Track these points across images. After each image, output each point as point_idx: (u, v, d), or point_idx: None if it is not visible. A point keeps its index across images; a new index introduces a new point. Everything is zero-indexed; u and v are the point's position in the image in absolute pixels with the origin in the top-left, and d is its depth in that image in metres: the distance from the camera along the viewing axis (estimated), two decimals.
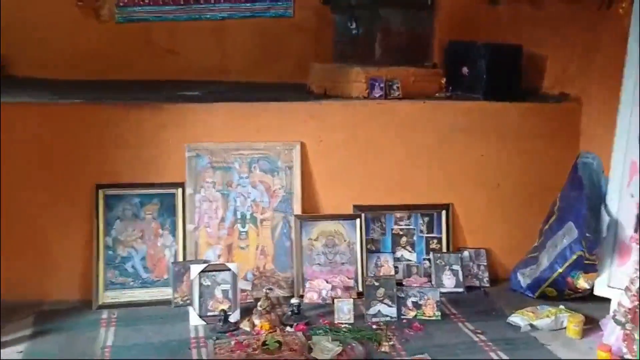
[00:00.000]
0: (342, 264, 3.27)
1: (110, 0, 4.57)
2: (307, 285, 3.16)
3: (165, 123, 3.19)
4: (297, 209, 3.26)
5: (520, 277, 3.26)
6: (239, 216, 3.24)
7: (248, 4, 4.70)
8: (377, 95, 3.51)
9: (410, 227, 3.43)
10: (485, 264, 3.41)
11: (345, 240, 3.29)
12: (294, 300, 2.90)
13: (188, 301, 2.91)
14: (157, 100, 3.39)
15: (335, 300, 2.93)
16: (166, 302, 3.02)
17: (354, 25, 3.74)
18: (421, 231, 3.43)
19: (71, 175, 3.09)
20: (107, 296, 3.03)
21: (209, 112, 3.27)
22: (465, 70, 3.59)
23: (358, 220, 3.31)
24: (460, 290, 3.28)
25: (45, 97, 3.52)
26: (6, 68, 4.49)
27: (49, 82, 4.20)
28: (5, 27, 4.47)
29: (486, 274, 3.39)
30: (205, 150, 3.21)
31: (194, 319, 2.82)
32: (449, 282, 3.30)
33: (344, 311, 2.87)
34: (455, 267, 3.32)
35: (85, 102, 3.30)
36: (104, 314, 2.91)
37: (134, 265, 3.11)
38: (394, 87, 3.53)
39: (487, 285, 3.37)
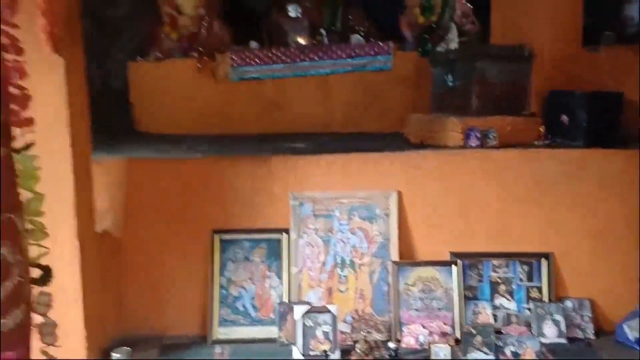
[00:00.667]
0: (439, 309, 3.33)
1: (225, 61, 5.08)
2: (405, 329, 3.25)
3: (274, 174, 3.49)
4: (395, 255, 3.40)
5: (627, 330, 3.14)
6: (339, 261, 3.43)
7: (349, 60, 5.00)
8: (473, 145, 3.60)
9: (509, 275, 3.43)
10: (589, 315, 3.32)
11: (442, 287, 3.36)
12: (391, 344, 3.01)
13: (292, 340, 3.12)
14: (267, 153, 3.73)
15: (432, 346, 3.00)
16: (272, 340, 3.24)
17: (451, 78, 3.87)
18: (520, 279, 3.42)
19: (191, 222, 3.44)
20: (220, 332, 3.31)
21: (312, 163, 3.52)
22: (564, 118, 3.59)
23: (455, 267, 3.37)
24: (562, 341, 3.21)
25: (170, 152, 3.98)
26: (136, 125, 5.11)
27: (173, 137, 4.72)
28: (136, 89, 5.12)
29: (590, 325, 3.29)
30: (308, 199, 3.46)
31: (298, 358, 3.02)
32: (550, 332, 3.24)
33: (441, 356, 2.94)
34: (557, 317, 3.26)
35: (204, 157, 3.70)
36: (217, 349, 3.18)
37: (244, 304, 3.38)
38: (491, 136, 3.61)
39: (591, 337, 3.27)
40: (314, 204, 3.44)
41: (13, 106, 2.01)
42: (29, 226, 2.12)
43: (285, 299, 3.36)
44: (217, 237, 3.42)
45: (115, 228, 3.37)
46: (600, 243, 3.38)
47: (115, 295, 3.32)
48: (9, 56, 2.00)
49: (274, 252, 3.43)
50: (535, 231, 3.42)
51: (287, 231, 3.42)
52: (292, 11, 5.43)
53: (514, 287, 3.41)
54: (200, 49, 5.08)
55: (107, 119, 3.99)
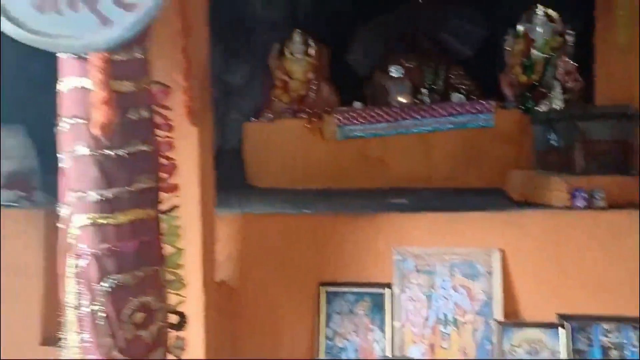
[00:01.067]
0: None
1: (331, 121, 5.41)
2: None
3: (378, 230, 3.66)
4: (498, 314, 3.40)
5: None
6: (441, 317, 3.49)
7: (451, 118, 5.15)
8: (580, 205, 3.57)
9: (621, 340, 3.31)
10: None
11: (548, 349, 3.32)
12: None
13: None
14: (371, 209, 3.93)
15: None
16: None
17: (554, 137, 3.90)
18: (633, 345, 3.29)
19: (300, 273, 3.66)
20: None
21: (415, 221, 3.66)
22: None
23: (562, 330, 3.32)
24: None
25: (281, 206, 4.28)
26: (249, 180, 5.53)
27: (282, 191, 5.06)
28: (249, 146, 5.56)
29: None
30: (411, 255, 3.59)
31: None
32: None
33: None
34: None
35: (313, 214, 3.96)
36: None
37: (348, 355, 3.53)
38: (597, 196, 3.56)
39: None
40: (416, 260, 3.56)
41: (162, 174, 2.37)
42: (169, 277, 2.44)
43: (388, 353, 3.46)
44: (323, 290, 3.61)
45: (232, 278, 3.68)
46: None
47: (231, 341, 3.60)
48: (161, 133, 2.38)
49: (378, 306, 3.56)
50: None
51: (390, 286, 3.54)
52: (394, 71, 5.68)
53: (627, 353, 3.28)
54: (309, 110, 5.45)
55: (224, 175, 4.38)
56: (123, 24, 2.01)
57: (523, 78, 5.12)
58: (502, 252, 3.48)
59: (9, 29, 2.02)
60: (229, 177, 5.01)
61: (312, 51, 5.71)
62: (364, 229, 3.68)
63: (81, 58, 2.11)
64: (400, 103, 5.49)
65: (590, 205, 3.55)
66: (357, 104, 5.60)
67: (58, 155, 2.20)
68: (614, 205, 3.52)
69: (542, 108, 4.88)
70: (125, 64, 2.16)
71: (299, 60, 5.71)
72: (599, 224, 3.43)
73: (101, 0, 2.00)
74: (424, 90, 5.53)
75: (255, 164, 5.50)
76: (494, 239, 3.53)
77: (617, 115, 3.74)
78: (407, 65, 5.66)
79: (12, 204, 3.82)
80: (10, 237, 3.56)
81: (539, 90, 5.03)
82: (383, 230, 3.66)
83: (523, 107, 5.02)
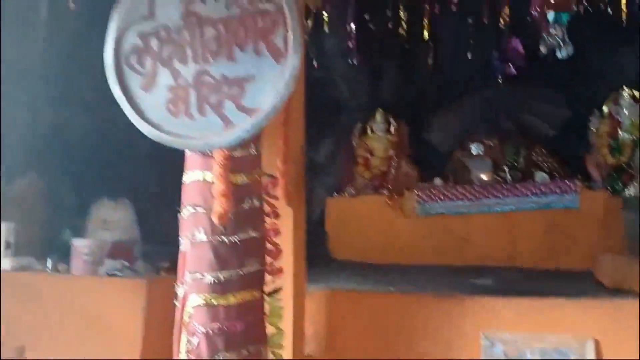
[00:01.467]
0: None
1: (412, 198, 5.51)
2: None
3: (464, 312, 3.65)
4: None
5: None
6: None
7: (534, 197, 5.12)
8: None
9: None
10: None
11: None
12: None
13: None
14: (454, 288, 3.93)
15: None
16: None
17: None
18: None
19: (382, 352, 3.67)
20: None
21: (503, 305, 3.62)
22: None
23: None
24: None
25: (364, 282, 4.35)
26: (331, 252, 5.66)
27: (364, 265, 5.14)
28: (332, 220, 5.73)
29: None
30: (499, 340, 3.54)
31: None
32: None
33: None
34: None
35: (398, 293, 4.01)
36: None
37: None
38: None
39: None
40: (505, 345, 3.51)
41: (268, 258, 2.56)
42: (270, 356, 2.57)
43: None
44: None
45: (318, 352, 3.75)
46: None
47: None
48: (269, 220, 2.59)
49: None
50: None
51: None
52: (475, 149, 5.76)
53: None
54: (390, 186, 5.60)
55: (308, 248, 4.54)
56: (244, 126, 2.26)
57: (610, 159, 5.07)
58: (597, 342, 3.38)
59: (146, 129, 2.33)
60: (313, 251, 5.18)
61: (392, 129, 5.91)
62: (450, 311, 3.67)
63: (204, 154, 2.37)
64: (482, 181, 5.53)
65: None
66: (438, 181, 5.69)
67: (179, 238, 2.43)
68: None
69: (631, 190, 4.78)
70: (242, 159, 2.40)
71: (380, 138, 5.92)
72: None
73: (226, 105, 2.27)
74: (505, 169, 5.55)
75: (338, 237, 5.64)
76: (586, 327, 3.43)
77: None
78: (487, 143, 5.73)
79: (116, 272, 4.11)
80: (114, 304, 3.82)
81: (627, 172, 4.95)
82: (469, 313, 3.63)
83: (610, 189, 4.94)
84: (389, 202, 5.53)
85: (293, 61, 2.24)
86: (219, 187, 2.30)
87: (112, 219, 4.58)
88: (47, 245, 4.38)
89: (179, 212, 2.46)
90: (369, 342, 3.74)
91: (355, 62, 5.37)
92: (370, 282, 4.36)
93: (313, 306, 3.82)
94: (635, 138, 5.01)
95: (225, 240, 2.35)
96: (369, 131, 5.99)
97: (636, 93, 5.10)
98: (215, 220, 2.30)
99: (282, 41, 2.25)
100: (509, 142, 5.73)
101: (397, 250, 5.30)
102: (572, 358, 3.38)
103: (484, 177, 5.53)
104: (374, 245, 5.40)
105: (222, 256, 2.35)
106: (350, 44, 5.09)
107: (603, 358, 3.33)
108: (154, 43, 2.33)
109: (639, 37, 4.80)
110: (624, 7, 3.76)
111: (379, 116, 5.93)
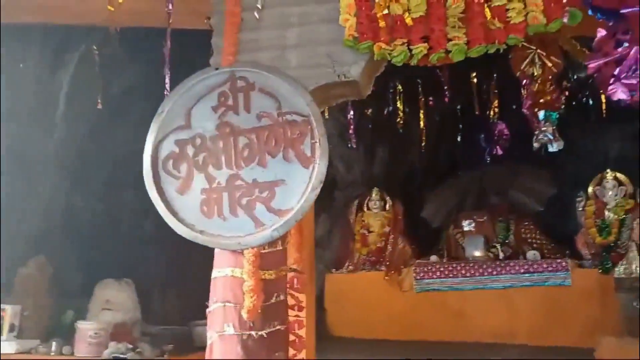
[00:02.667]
0: None
1: (410, 274, 5.66)
2: None
3: None
4: None
5: None
6: None
7: (527, 275, 5.31)
8: None
9: None
10: None
11: None
12: None
13: None
14: None
15: None
16: None
17: (638, 304, 4.01)
18: None
19: None
20: None
21: None
22: None
23: None
24: None
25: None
26: (329, 328, 5.72)
27: (363, 341, 5.21)
28: (330, 296, 5.82)
29: None
30: None
31: None
32: None
33: None
34: None
35: None
36: None
37: None
38: None
39: None
40: None
41: (291, 350, 2.66)
42: None
43: None
44: None
45: None
46: None
47: None
48: (292, 313, 2.71)
49: None
50: None
51: None
52: (467, 226, 5.98)
53: None
54: (387, 262, 5.75)
55: None
56: (273, 226, 2.43)
57: (599, 239, 5.31)
58: None
59: (181, 229, 2.48)
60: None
61: (388, 206, 6.13)
62: None
63: (234, 251, 2.51)
64: (475, 257, 5.72)
65: None
66: (434, 258, 5.87)
67: (207, 333, 2.54)
68: None
69: (621, 269, 4.99)
70: (270, 256, 2.54)
71: (376, 214, 6.13)
72: None
73: (257, 207, 2.44)
74: (496, 245, 5.76)
75: (336, 313, 5.72)
76: None
77: None
78: (479, 220, 5.95)
79: (121, 355, 4.11)
80: None
81: (616, 252, 5.19)
82: None
83: (601, 268, 5.14)
84: (386, 278, 5.66)
85: (320, 167, 2.44)
86: (249, 283, 2.43)
87: (116, 299, 4.60)
88: (52, 327, 4.39)
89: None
90: None
91: (353, 145, 5.63)
92: (369, 358, 4.42)
93: None
94: (622, 218, 5.27)
95: (254, 334, 2.46)
96: (365, 208, 6.19)
97: (619, 175, 5.41)
98: (244, 315, 2.41)
99: (309, 149, 2.46)
100: (499, 218, 5.96)
101: (395, 326, 5.40)
102: None
103: (477, 253, 5.72)
104: (372, 321, 5.49)
105: (250, 349, 2.45)
106: (349, 130, 5.37)
107: None
108: (189, 150, 2.52)
109: (619, 124, 5.16)
110: (604, 99, 4.09)
111: (374, 194, 6.16)
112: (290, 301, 2.70)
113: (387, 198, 6.16)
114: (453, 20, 2.43)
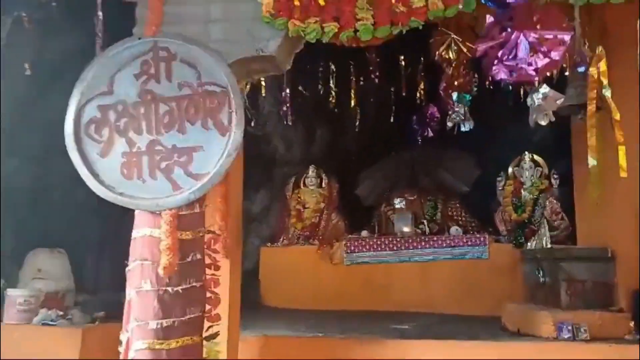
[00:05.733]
0: None
1: (341, 248, 5.92)
2: None
3: (384, 354, 4.01)
4: None
5: None
6: None
7: (449, 249, 5.66)
8: (565, 337, 3.96)
9: None
10: None
11: None
12: None
13: None
14: (377, 333, 4.30)
15: None
16: None
17: (541, 274, 4.37)
18: None
19: None
20: None
21: (418, 347, 4.02)
22: None
23: None
24: None
25: (294, 328, 4.62)
26: (263, 300, 5.93)
27: (295, 312, 5.42)
28: (265, 269, 6.02)
29: None
30: None
31: None
32: None
33: None
34: None
35: (324, 337, 4.33)
36: None
37: None
38: (582, 329, 3.96)
39: None
40: None
41: (208, 306, 2.85)
42: None
43: None
44: None
45: None
46: None
47: None
48: (209, 271, 2.89)
49: None
50: None
51: None
52: (397, 203, 6.27)
53: None
54: (320, 237, 5.99)
55: (242, 296, 4.80)
56: (191, 189, 2.59)
57: (514, 216, 5.70)
58: None
59: (101, 191, 2.61)
60: (246, 298, 5.42)
61: (324, 184, 6.36)
62: (372, 353, 4.03)
63: (153, 213, 2.67)
64: (403, 233, 6.02)
65: (575, 338, 3.93)
66: (365, 233, 6.14)
67: (126, 291, 2.69)
68: (597, 338, 3.91)
69: (532, 244, 5.39)
70: (188, 218, 2.71)
71: (312, 191, 6.35)
72: (585, 356, 3.79)
73: (176, 171, 2.60)
74: (424, 222, 6.08)
75: (270, 285, 5.93)
76: None
77: (596, 258, 4.24)
78: (409, 198, 6.25)
79: (50, 322, 4.17)
80: (49, 353, 3.90)
81: (530, 228, 5.58)
82: (389, 354, 4.01)
83: (515, 243, 5.54)
84: (318, 251, 5.90)
85: (236, 135, 2.62)
86: (166, 242, 2.59)
87: (48, 269, 4.63)
88: None
89: (126, 265, 2.72)
90: None
91: (289, 122, 5.80)
92: (301, 327, 4.64)
93: (247, 351, 4.08)
94: (535, 197, 5.66)
95: (170, 290, 2.63)
96: (302, 185, 6.40)
97: (536, 157, 5.80)
98: (161, 272, 2.58)
99: (227, 118, 2.63)
100: (428, 197, 6.28)
101: (326, 297, 5.64)
102: None
103: (406, 229, 6.01)
104: (304, 293, 5.71)
105: (166, 304, 2.62)
106: (285, 107, 5.54)
107: None
108: (111, 115, 2.64)
109: None
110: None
111: (311, 171, 6.37)
112: (207, 261, 2.87)
113: (323, 176, 6.38)
114: (362, 2, 2.64)
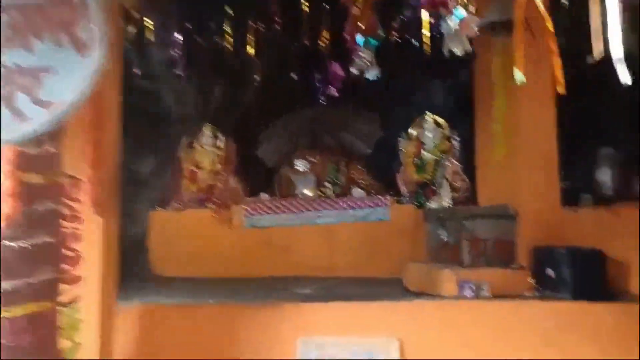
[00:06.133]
0: None
1: (239, 211, 5.53)
2: None
3: (282, 320, 3.73)
4: None
5: None
6: None
7: (351, 211, 5.45)
8: (467, 295, 3.87)
9: None
10: None
11: None
12: None
13: None
14: (276, 298, 4.00)
15: None
16: None
17: (444, 233, 4.26)
18: None
19: None
20: None
21: (319, 310, 3.79)
22: (550, 272, 3.89)
23: None
24: None
25: (184, 296, 4.22)
26: (153, 268, 5.43)
27: (188, 280, 4.99)
28: (155, 236, 5.51)
29: None
30: (314, 345, 3.67)
31: None
32: None
33: None
34: None
35: (217, 304, 3.96)
36: None
37: None
38: (483, 287, 3.89)
39: None
40: (319, 350, 3.65)
41: (64, 265, 2.36)
42: None
43: None
44: None
45: None
46: None
47: None
48: (68, 224, 2.40)
49: None
50: None
51: None
52: (300, 166, 5.97)
53: None
54: (217, 200, 5.55)
55: (128, 264, 4.31)
56: (39, 120, 2.09)
57: (416, 177, 5.60)
58: (401, 341, 3.66)
59: None
60: (133, 267, 4.92)
61: (220, 144, 5.89)
62: (268, 319, 3.74)
63: None
64: (305, 195, 5.74)
65: (477, 296, 3.85)
66: (264, 195, 5.78)
67: None
68: (498, 295, 3.85)
69: (434, 205, 5.31)
70: (37, 158, 2.20)
71: (208, 152, 5.86)
72: (486, 313, 3.73)
73: (19, 98, 2.08)
74: (327, 184, 5.83)
75: (161, 253, 5.44)
76: (393, 328, 3.71)
77: (498, 215, 4.18)
78: (311, 160, 5.97)
79: None
80: None
81: (431, 188, 5.51)
82: (288, 319, 3.74)
83: (416, 203, 5.43)
84: (215, 215, 5.48)
85: (98, 55, 2.13)
86: (7, 185, 2.08)
87: None
88: None
89: None
90: (185, 354, 3.64)
91: (181, 73, 5.27)
92: (192, 295, 4.26)
93: (128, 321, 3.63)
94: (438, 158, 5.58)
95: (14, 245, 2.13)
96: (196, 145, 5.90)
97: (438, 118, 5.70)
98: (2, 222, 2.07)
99: (86, 34, 2.13)
100: (331, 159, 6.03)
101: (223, 263, 5.26)
102: (379, 358, 3.62)
103: (308, 192, 5.74)
104: (200, 260, 5.30)
105: (9, 263, 2.12)
106: (175, 54, 4.99)
107: (405, 356, 3.62)
108: None
109: (444, 69, 5.40)
110: (427, 40, 4.18)
111: (206, 130, 5.88)
112: (66, 212, 2.39)
113: (220, 134, 5.91)
114: None
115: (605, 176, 4.38)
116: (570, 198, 4.41)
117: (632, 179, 4.26)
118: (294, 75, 5.73)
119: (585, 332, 3.59)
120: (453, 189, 5.32)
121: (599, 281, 3.81)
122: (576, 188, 4.51)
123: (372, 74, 3.63)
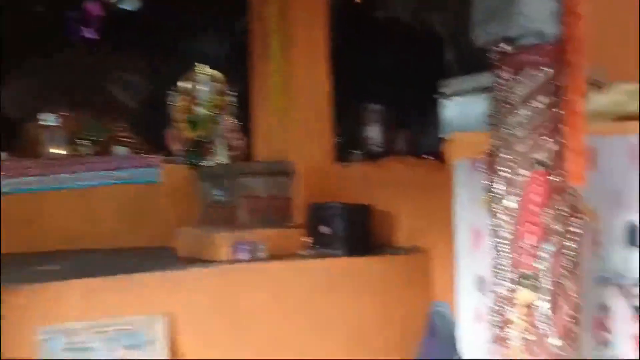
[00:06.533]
0: None
1: None
2: None
3: (20, 305, 3.03)
4: None
5: None
6: None
7: (114, 172, 4.85)
8: (243, 258, 3.64)
9: None
10: None
11: None
12: None
13: None
14: (13, 279, 3.25)
15: None
16: None
17: (219, 192, 3.97)
18: None
19: None
20: None
21: (66, 290, 3.15)
22: (324, 229, 3.85)
23: None
24: None
25: None
26: None
27: None
28: None
29: None
30: (60, 332, 3.04)
31: None
32: None
33: None
34: None
35: None
36: None
37: None
38: (260, 248, 3.69)
39: None
40: (67, 337, 3.04)
41: None
42: None
43: None
44: None
45: None
46: (359, 349, 3.53)
47: None
48: None
49: None
50: (310, 341, 3.45)
51: None
52: (48, 120, 5.12)
53: None
54: None
55: None
56: None
57: (188, 134, 5.17)
58: (168, 316, 3.24)
59: None
60: None
61: None
62: (4, 305, 2.99)
63: None
64: (54, 154, 4.95)
65: (253, 258, 3.63)
66: (4, 155, 4.84)
67: None
68: (274, 256, 3.68)
69: (209, 163, 4.97)
70: None
71: None
72: (262, 275, 3.52)
73: None
74: (82, 142, 5.08)
75: None
76: (160, 303, 3.27)
77: (275, 172, 4.01)
78: (63, 113, 5.14)
79: None
80: None
81: (205, 146, 5.14)
82: (27, 305, 3.04)
83: (190, 162, 5.03)
84: None
85: None
86: None
87: None
88: None
89: None
90: None
91: None
92: None
93: None
94: (212, 114, 5.21)
95: None
96: None
97: (213, 71, 5.31)
98: None
99: None
100: (89, 113, 5.28)
101: None
102: (144, 338, 3.17)
103: (57, 150, 4.95)
104: None
105: None
106: None
107: (178, 332, 3.23)
108: None
109: (220, 19, 5.05)
110: None
111: None
112: None
113: None
114: None
115: (373, 132, 4.51)
116: (342, 154, 4.45)
117: (398, 135, 4.45)
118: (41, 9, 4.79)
119: (357, 285, 3.61)
120: (229, 146, 5.04)
121: (368, 235, 3.87)
122: (348, 144, 4.58)
123: (129, 5, 3.07)
